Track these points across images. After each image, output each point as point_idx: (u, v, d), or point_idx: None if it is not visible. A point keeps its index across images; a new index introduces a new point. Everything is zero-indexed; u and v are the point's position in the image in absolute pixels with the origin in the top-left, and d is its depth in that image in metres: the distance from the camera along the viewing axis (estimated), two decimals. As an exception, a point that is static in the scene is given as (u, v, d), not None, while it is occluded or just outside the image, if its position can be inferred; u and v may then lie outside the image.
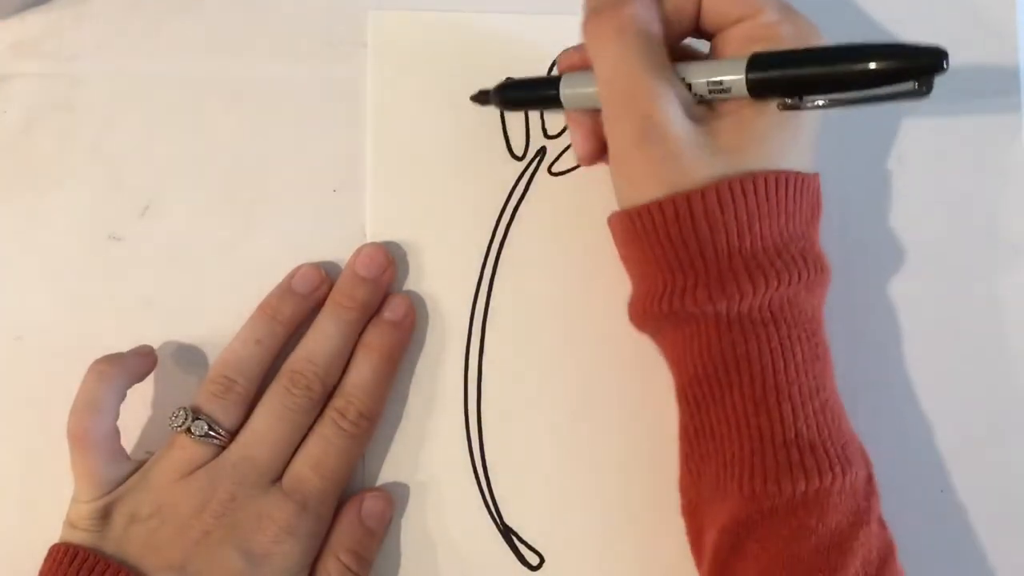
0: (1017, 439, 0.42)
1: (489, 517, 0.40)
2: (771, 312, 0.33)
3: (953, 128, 0.44)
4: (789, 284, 0.33)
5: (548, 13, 0.43)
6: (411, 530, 0.40)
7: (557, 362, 0.41)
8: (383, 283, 0.40)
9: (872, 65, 0.29)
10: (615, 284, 0.38)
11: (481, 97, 0.41)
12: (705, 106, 0.35)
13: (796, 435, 0.33)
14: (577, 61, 0.38)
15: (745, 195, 0.33)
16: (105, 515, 0.35)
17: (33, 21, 0.41)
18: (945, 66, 0.29)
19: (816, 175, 0.35)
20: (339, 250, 0.41)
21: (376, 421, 0.39)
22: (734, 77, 0.32)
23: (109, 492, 0.36)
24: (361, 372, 0.38)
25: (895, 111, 0.43)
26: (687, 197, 0.33)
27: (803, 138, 0.34)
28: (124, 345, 0.39)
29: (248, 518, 0.35)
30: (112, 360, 0.37)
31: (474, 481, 0.40)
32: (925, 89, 0.29)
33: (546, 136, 0.42)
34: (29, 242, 0.41)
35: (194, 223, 0.41)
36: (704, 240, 0.33)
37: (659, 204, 0.33)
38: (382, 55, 0.42)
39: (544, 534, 0.40)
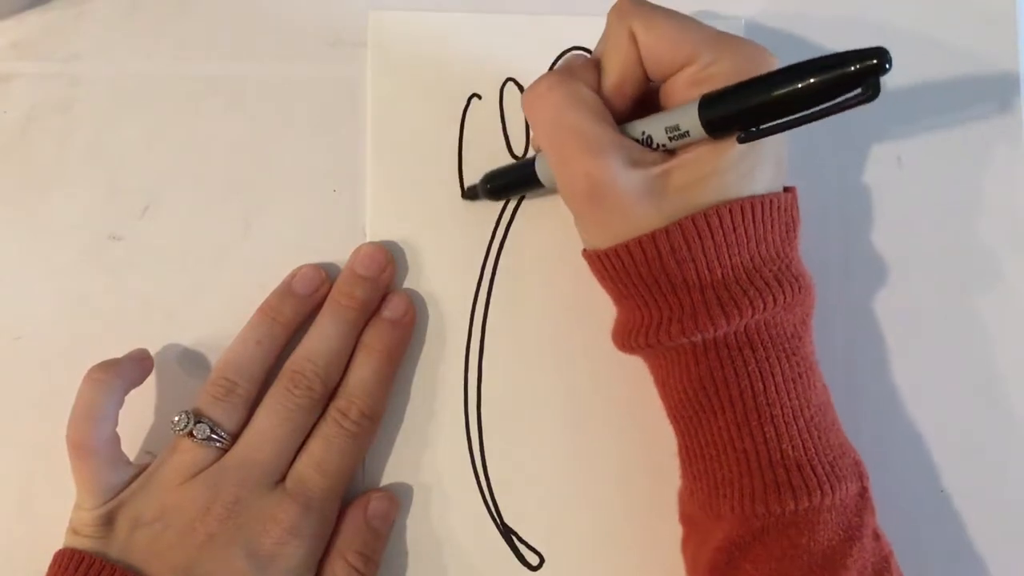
0: (1017, 440, 0.42)
1: (489, 517, 0.40)
2: (747, 336, 0.34)
3: (953, 130, 0.44)
4: (764, 309, 0.33)
5: (548, 13, 0.43)
6: (412, 531, 0.40)
7: (557, 362, 0.41)
8: (382, 282, 0.40)
9: (814, 79, 0.29)
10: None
11: (470, 193, 0.41)
12: (661, 152, 0.34)
13: (781, 456, 0.33)
14: None
15: (711, 228, 0.33)
16: (108, 521, 0.35)
17: (33, 21, 0.41)
18: (888, 67, 0.28)
19: (789, 192, 0.35)
20: (339, 250, 0.41)
21: (378, 420, 0.39)
22: (690, 121, 0.32)
23: (111, 498, 0.36)
24: (362, 372, 0.38)
25: (894, 112, 0.43)
26: (652, 237, 0.33)
27: (767, 162, 0.34)
28: (124, 346, 0.39)
29: (252, 520, 0.35)
30: (108, 367, 0.37)
31: (474, 481, 0.40)
32: (872, 92, 0.28)
33: (546, 136, 0.42)
34: (29, 242, 0.41)
35: (194, 223, 0.41)
36: (674, 277, 0.33)
37: (626, 246, 0.34)
38: (382, 55, 0.42)
39: (544, 534, 0.40)
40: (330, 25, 0.42)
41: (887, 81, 0.29)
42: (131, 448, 0.39)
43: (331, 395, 0.38)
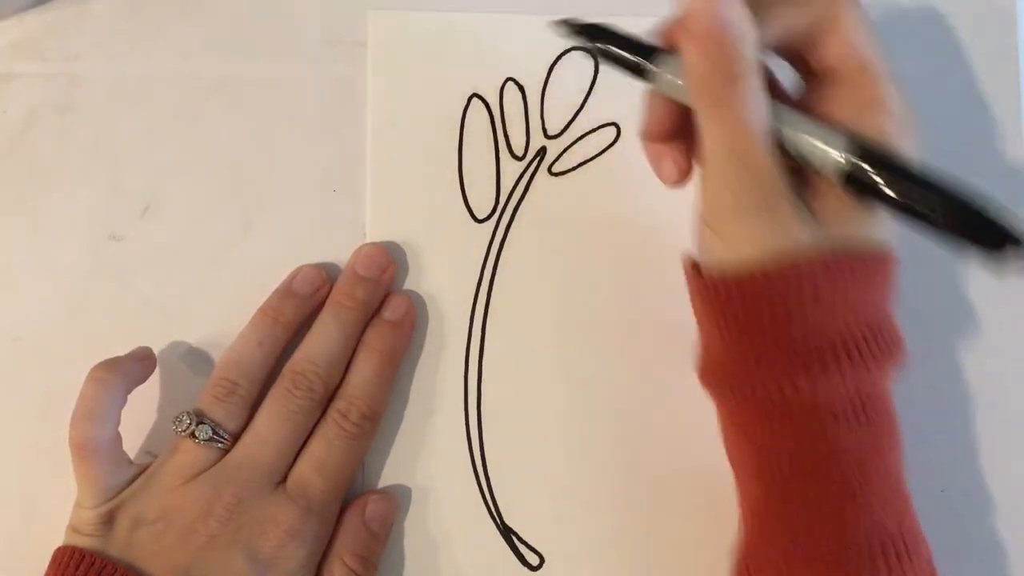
0: (1017, 440, 0.42)
1: (489, 517, 0.40)
2: (861, 402, 0.32)
3: (953, 128, 0.44)
4: (880, 369, 0.32)
5: (548, 13, 0.42)
6: (411, 531, 0.40)
7: (557, 362, 0.41)
8: (383, 282, 0.40)
9: (943, 220, 0.29)
10: (615, 284, 0.38)
11: (569, 28, 0.34)
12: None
13: (880, 527, 0.32)
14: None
15: (855, 273, 0.31)
16: (109, 520, 0.35)
17: (33, 21, 0.41)
18: (1017, 256, 0.27)
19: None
20: (339, 250, 0.41)
21: (378, 421, 0.39)
22: (825, 159, 0.30)
23: (112, 498, 0.36)
24: (363, 373, 0.38)
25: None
26: (796, 271, 0.30)
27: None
28: (124, 346, 0.39)
29: (253, 521, 0.35)
30: (110, 366, 0.37)
31: (474, 481, 0.40)
32: (982, 259, 0.28)
33: (546, 136, 0.42)
34: (29, 242, 0.41)
35: (194, 223, 0.41)
36: (809, 320, 0.31)
37: (765, 276, 0.30)
38: (382, 55, 0.42)
39: (544, 534, 0.40)
40: (330, 25, 0.42)
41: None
42: (131, 448, 0.39)
43: (331, 396, 0.38)
